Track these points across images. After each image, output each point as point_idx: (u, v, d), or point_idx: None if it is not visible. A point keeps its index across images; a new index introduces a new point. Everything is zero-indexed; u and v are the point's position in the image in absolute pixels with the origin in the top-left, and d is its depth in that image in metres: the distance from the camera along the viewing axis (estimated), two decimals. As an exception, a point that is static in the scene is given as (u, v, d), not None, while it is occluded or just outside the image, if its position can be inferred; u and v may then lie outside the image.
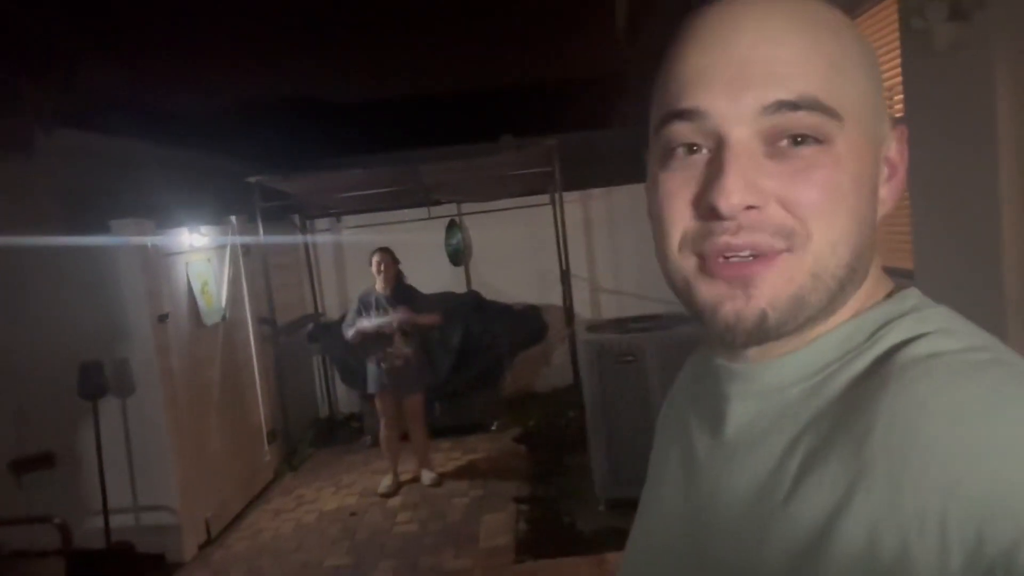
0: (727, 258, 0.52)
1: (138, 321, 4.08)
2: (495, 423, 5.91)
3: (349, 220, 6.88)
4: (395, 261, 4.84)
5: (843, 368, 0.53)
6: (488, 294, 6.39)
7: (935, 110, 2.51)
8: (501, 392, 6.13)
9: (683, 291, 0.56)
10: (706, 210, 0.52)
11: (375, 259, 4.81)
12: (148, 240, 4.13)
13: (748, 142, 0.51)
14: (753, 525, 0.53)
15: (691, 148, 0.54)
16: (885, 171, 0.56)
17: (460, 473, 5.13)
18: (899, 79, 2.86)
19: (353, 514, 4.63)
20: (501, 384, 6.12)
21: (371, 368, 4.80)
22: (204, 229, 4.85)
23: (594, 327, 4.43)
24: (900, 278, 3.05)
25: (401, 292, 4.82)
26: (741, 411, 0.57)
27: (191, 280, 4.60)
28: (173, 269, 4.44)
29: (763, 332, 0.53)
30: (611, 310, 6.36)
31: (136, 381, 4.10)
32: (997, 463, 0.43)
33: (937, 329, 0.51)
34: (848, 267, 0.53)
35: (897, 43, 2.82)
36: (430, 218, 6.50)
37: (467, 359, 5.74)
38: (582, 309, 6.44)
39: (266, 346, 5.67)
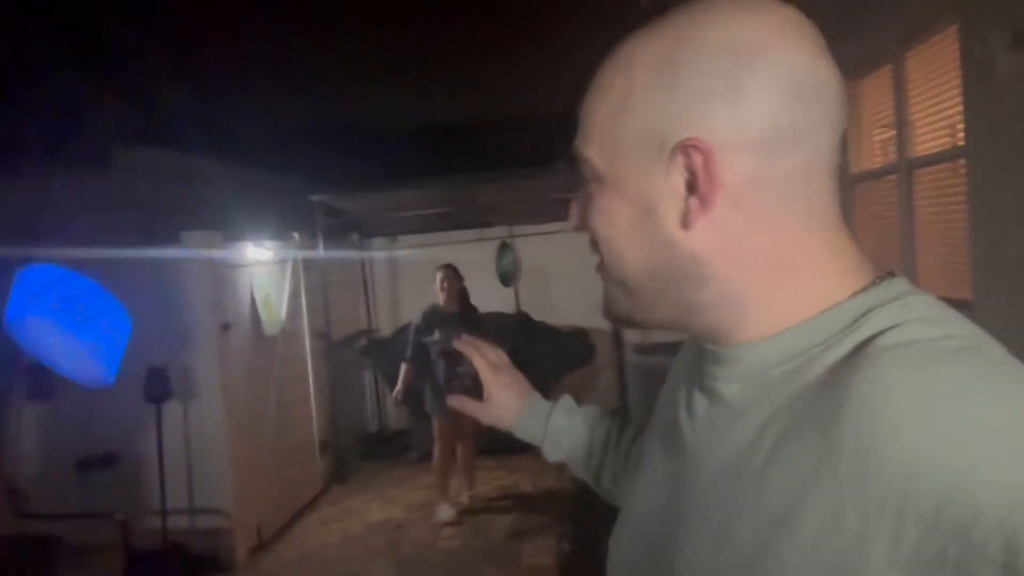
0: None
1: (203, 329, 4.25)
2: (541, 445, 5.91)
3: (404, 240, 7.04)
4: (459, 278, 4.76)
5: (823, 353, 0.54)
6: (536, 315, 6.44)
7: (997, 141, 2.49)
8: (547, 414, 6.12)
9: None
10: None
11: (439, 276, 4.71)
12: (215, 252, 4.31)
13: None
14: (728, 496, 0.56)
15: None
16: (691, 204, 0.56)
17: (504, 492, 5.16)
18: (960, 108, 2.83)
19: (398, 527, 4.70)
20: (547, 406, 6.11)
21: (430, 388, 4.66)
22: (268, 244, 5.04)
23: (642, 349, 4.43)
24: (959, 308, 2.99)
25: (468, 310, 4.76)
26: (725, 391, 0.60)
27: (254, 292, 4.77)
28: (238, 281, 4.62)
29: (621, 322, 0.69)
30: (659, 334, 6.33)
31: (198, 387, 4.26)
32: (958, 444, 0.45)
33: (918, 317, 0.53)
34: (641, 278, 0.62)
35: (957, 72, 2.80)
36: (482, 239, 6.60)
37: (513, 380, 5.77)
38: (630, 333, 6.42)
39: (321, 359, 5.81)
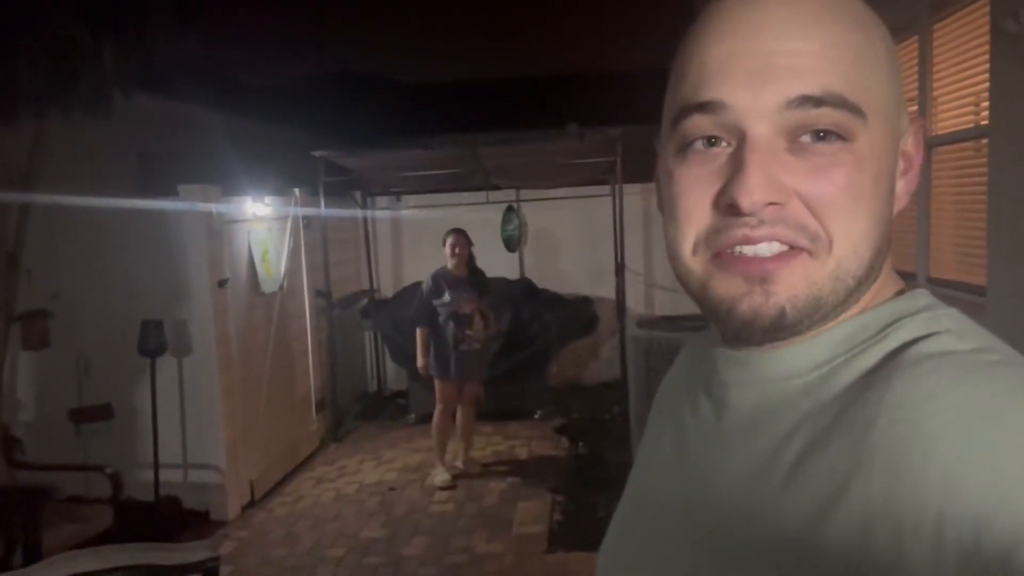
0: (742, 253, 0.51)
1: (199, 284, 4.20)
2: (539, 412, 5.91)
3: (408, 200, 6.95)
4: (469, 243, 4.75)
5: (849, 362, 0.52)
6: (541, 283, 6.37)
7: (1023, 121, 2.38)
8: (546, 381, 6.11)
9: (697, 290, 0.55)
10: (726, 207, 0.51)
11: (450, 240, 4.70)
12: (213, 206, 4.24)
13: (770, 137, 0.50)
14: (746, 511, 0.52)
15: (710, 141, 0.52)
16: (901, 165, 0.55)
17: (499, 458, 5.15)
18: (986, 86, 2.71)
19: (392, 489, 4.70)
20: (547, 373, 6.10)
21: (436, 351, 4.66)
22: (268, 199, 4.96)
23: (645, 323, 4.38)
24: (971, 294, 2.90)
25: (475, 275, 4.76)
26: (740, 399, 0.57)
27: (252, 248, 4.71)
28: (235, 236, 4.55)
29: (780, 329, 0.52)
30: (664, 307, 6.27)
31: (193, 342, 4.23)
32: (1000, 464, 0.42)
33: (947, 329, 0.50)
34: (868, 267, 0.52)
35: (986, 48, 2.67)
36: (488, 203, 6.51)
37: (515, 346, 5.73)
38: (635, 304, 6.36)
39: (320, 318, 5.78)
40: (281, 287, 5.10)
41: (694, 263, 0.54)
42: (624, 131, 5.42)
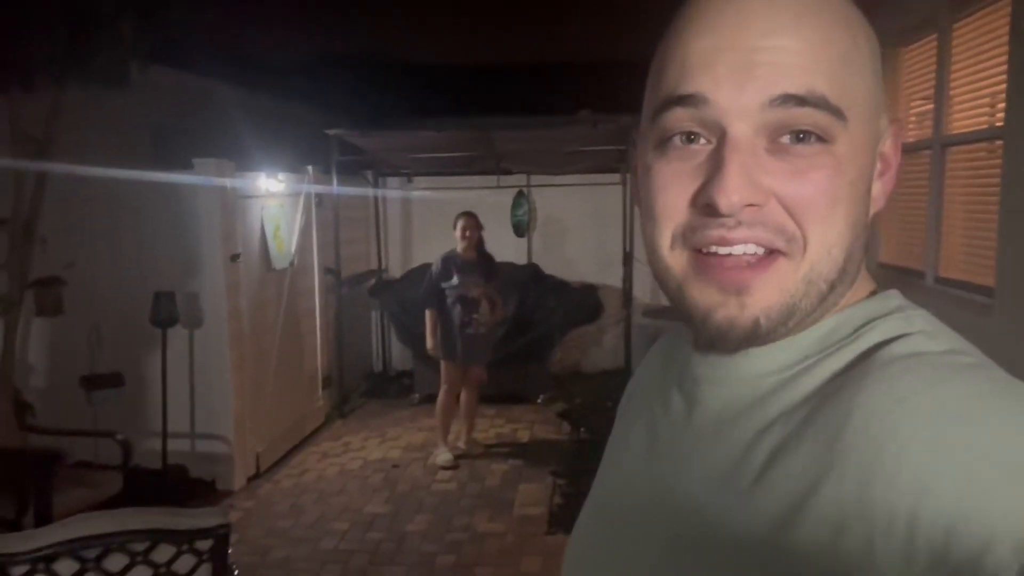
0: (718, 252, 0.51)
1: (211, 258, 4.24)
2: (541, 396, 5.95)
3: (419, 182, 6.97)
4: (479, 227, 4.78)
5: (821, 363, 0.52)
6: (548, 269, 6.40)
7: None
8: (549, 367, 6.16)
9: (674, 291, 0.55)
10: (704, 206, 0.50)
11: (460, 223, 4.72)
12: (228, 181, 4.27)
13: (750, 136, 0.49)
14: (716, 510, 0.52)
15: (689, 137, 0.51)
16: (879, 167, 0.55)
17: (502, 441, 5.21)
18: (1002, 87, 2.71)
19: (395, 466, 4.76)
20: (550, 359, 6.14)
21: (443, 332, 4.69)
22: (281, 176, 4.99)
23: (650, 312, 4.40)
24: (979, 295, 2.90)
25: (484, 259, 4.78)
26: (711, 396, 0.56)
27: (264, 224, 4.75)
28: (248, 211, 4.59)
29: (755, 339, 0.52)
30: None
31: (204, 315, 4.28)
32: (973, 466, 0.42)
33: (920, 330, 0.50)
34: (841, 269, 0.52)
35: (1003, 49, 2.67)
36: (498, 187, 6.53)
37: (519, 330, 5.77)
38: (641, 294, 6.38)
39: (329, 296, 5.82)
40: (292, 264, 5.14)
41: (672, 259, 0.54)
42: (636, 119, 5.42)
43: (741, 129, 0.49)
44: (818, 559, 0.45)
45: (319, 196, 5.61)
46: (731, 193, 0.48)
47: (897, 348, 0.49)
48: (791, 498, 0.47)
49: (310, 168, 5.47)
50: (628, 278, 5.92)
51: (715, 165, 0.49)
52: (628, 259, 5.92)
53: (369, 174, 6.77)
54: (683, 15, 0.53)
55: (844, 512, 0.44)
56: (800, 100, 0.48)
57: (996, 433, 0.42)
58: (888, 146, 0.55)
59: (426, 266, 5.13)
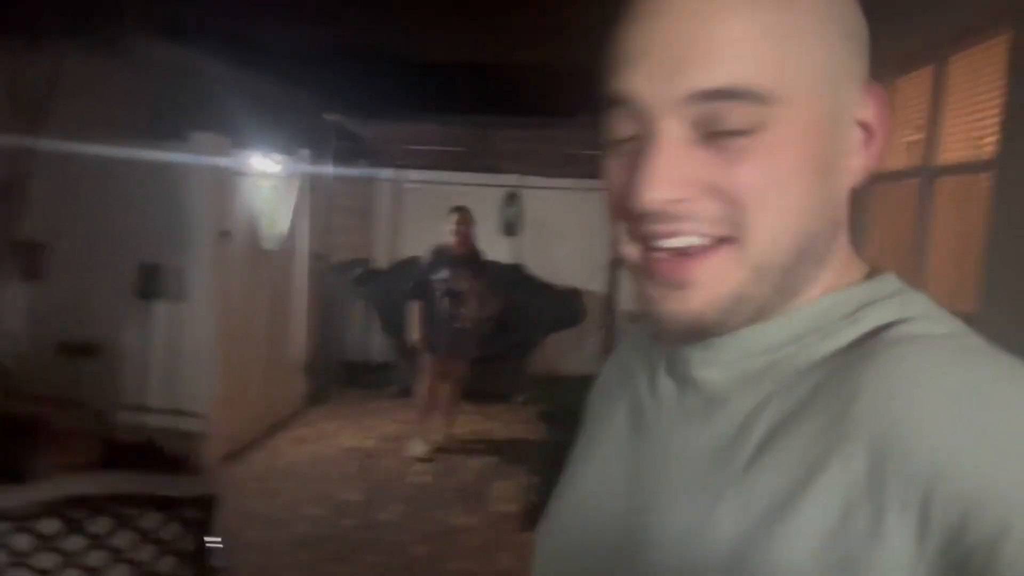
0: (656, 249, 0.51)
1: (201, 234, 4.21)
2: (520, 396, 5.98)
3: (413, 174, 6.97)
4: (472, 222, 4.79)
5: (819, 341, 0.51)
6: (534, 270, 6.43)
7: (1028, 157, 2.46)
8: (528, 368, 6.18)
9: (636, 286, 0.55)
10: (631, 207, 0.50)
11: (454, 217, 4.74)
12: (222, 158, 4.25)
13: (676, 131, 0.48)
14: (707, 492, 0.50)
15: (627, 136, 0.51)
16: (860, 136, 0.52)
17: (479, 437, 5.22)
18: (993, 120, 2.79)
19: (370, 456, 4.76)
20: (529, 359, 6.17)
21: (428, 326, 4.68)
22: (276, 157, 4.97)
23: (636, 319, 4.43)
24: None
25: (474, 254, 4.80)
26: (701, 377, 0.55)
27: (257, 204, 4.73)
28: (242, 190, 4.57)
29: (702, 331, 0.52)
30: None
31: (190, 290, 4.25)
32: (992, 447, 0.41)
33: (921, 314, 0.50)
34: (796, 254, 0.50)
35: (996, 83, 2.75)
36: (491, 185, 6.55)
37: (500, 329, 5.78)
38: (627, 301, 6.43)
39: (316, 281, 5.81)
40: (282, 245, 5.12)
41: (627, 254, 0.54)
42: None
43: (667, 124, 0.48)
44: (826, 540, 0.43)
45: (313, 180, 5.60)
46: (643, 193, 0.48)
47: (903, 329, 0.48)
48: (793, 476, 0.46)
49: (307, 152, 5.46)
50: (613, 284, 5.97)
51: (639, 164, 0.49)
52: (615, 265, 5.97)
53: (364, 163, 6.76)
54: (624, 9, 0.52)
55: (852, 490, 0.43)
56: (725, 93, 0.47)
57: (1014, 417, 0.42)
58: (870, 115, 0.52)
59: (414, 259, 5.14)
